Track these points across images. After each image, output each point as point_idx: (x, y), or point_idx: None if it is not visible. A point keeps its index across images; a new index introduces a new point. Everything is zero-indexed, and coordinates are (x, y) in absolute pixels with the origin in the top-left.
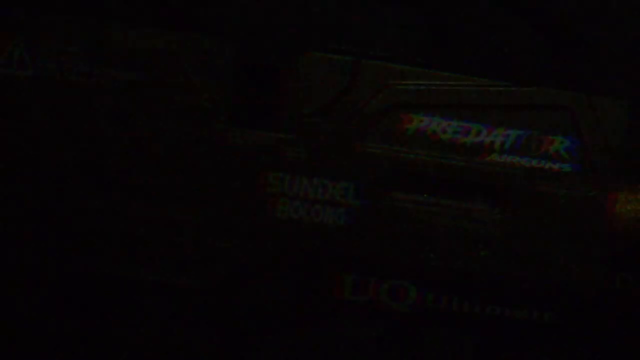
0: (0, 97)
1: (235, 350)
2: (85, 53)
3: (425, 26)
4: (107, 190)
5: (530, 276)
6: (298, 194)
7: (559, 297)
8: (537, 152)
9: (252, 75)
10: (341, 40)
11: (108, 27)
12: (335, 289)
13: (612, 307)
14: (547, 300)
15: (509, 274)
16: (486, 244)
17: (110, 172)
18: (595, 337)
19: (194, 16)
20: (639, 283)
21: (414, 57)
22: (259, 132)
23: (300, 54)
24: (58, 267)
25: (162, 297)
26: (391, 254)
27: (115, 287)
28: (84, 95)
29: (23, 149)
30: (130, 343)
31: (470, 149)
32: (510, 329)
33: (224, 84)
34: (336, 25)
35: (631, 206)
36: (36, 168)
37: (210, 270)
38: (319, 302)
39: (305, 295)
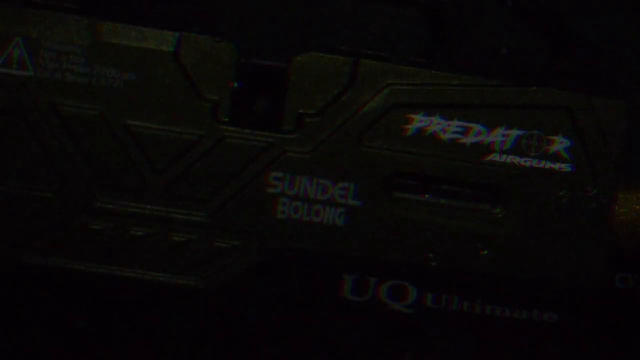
0: (0, 97)
1: (235, 350)
2: (85, 53)
3: (426, 26)
4: (106, 189)
5: (530, 276)
6: (298, 194)
7: (558, 297)
8: (537, 152)
9: (252, 75)
10: (341, 40)
11: (108, 27)
12: (336, 289)
13: (612, 307)
14: (547, 300)
15: (509, 274)
16: (486, 244)
17: (109, 172)
18: (596, 337)
19: (194, 16)
20: (639, 283)
21: (414, 57)
22: (259, 132)
23: (300, 54)
24: (57, 266)
25: (162, 297)
26: (391, 254)
27: (115, 287)
28: (83, 95)
29: (23, 149)
30: (130, 343)
31: (470, 149)
32: (510, 329)
33: (224, 83)
34: (336, 25)
35: (631, 206)
36: (36, 168)
37: (209, 270)
38: (319, 302)
39: (305, 295)
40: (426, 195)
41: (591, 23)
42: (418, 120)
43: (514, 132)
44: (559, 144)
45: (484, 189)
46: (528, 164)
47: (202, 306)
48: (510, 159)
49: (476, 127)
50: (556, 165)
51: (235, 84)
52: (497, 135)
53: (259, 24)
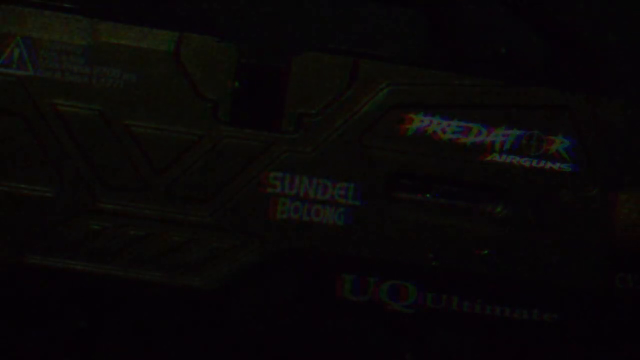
0: (0, 97)
1: (235, 350)
2: (85, 53)
3: (425, 26)
4: (106, 189)
5: (530, 276)
6: (298, 194)
7: (559, 297)
8: (537, 152)
9: (252, 75)
10: (341, 40)
11: (108, 27)
12: (335, 289)
13: (612, 307)
14: (547, 300)
15: (509, 274)
16: (486, 244)
17: (109, 172)
18: (596, 337)
19: (194, 16)
20: (639, 283)
21: (414, 57)
22: (259, 132)
23: (300, 54)
24: (57, 266)
25: (162, 297)
26: (391, 254)
27: (115, 287)
28: (83, 95)
29: (23, 149)
30: (130, 343)
31: (470, 149)
32: (510, 329)
33: (224, 84)
34: (336, 25)
35: (631, 206)
36: (36, 168)
37: (210, 270)
38: (319, 302)
39: (305, 295)
40: (426, 195)
41: (591, 23)
42: (418, 120)
43: (514, 132)
44: (559, 144)
45: (484, 189)
46: (528, 164)
47: (202, 306)
48: (510, 159)
49: (476, 127)
50: (556, 165)
51: (236, 84)
52: (497, 135)
53: (259, 24)
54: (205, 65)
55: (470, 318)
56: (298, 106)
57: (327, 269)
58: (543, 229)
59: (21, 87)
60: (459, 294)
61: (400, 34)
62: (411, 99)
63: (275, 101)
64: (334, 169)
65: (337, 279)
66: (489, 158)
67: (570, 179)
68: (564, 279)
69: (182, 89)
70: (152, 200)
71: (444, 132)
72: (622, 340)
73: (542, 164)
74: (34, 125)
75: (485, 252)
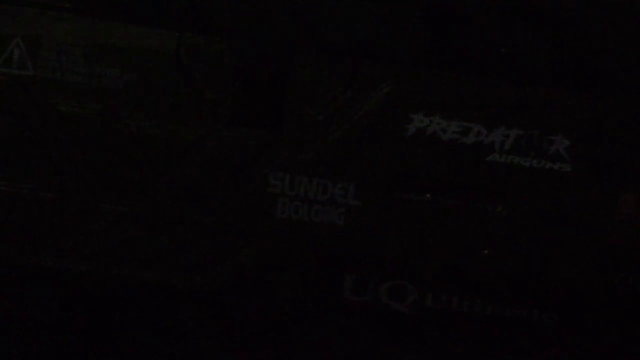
0: (0, 97)
1: (235, 351)
2: (85, 53)
3: (426, 26)
4: (106, 189)
5: (530, 276)
6: (298, 194)
7: (559, 297)
8: (537, 152)
9: (252, 75)
10: (341, 40)
11: (108, 27)
12: (335, 289)
13: (612, 307)
14: (547, 300)
15: (509, 273)
16: (486, 243)
17: (109, 172)
18: (596, 337)
19: (194, 16)
20: (639, 283)
21: (414, 57)
22: (259, 132)
23: (300, 54)
24: (57, 266)
25: (162, 297)
26: (391, 254)
27: (115, 287)
28: (83, 95)
29: (23, 149)
30: (130, 343)
31: (470, 149)
32: (510, 329)
33: (224, 84)
34: (336, 25)
35: (631, 206)
36: (36, 168)
37: (210, 270)
38: (319, 302)
39: (305, 295)
40: (426, 195)
41: (591, 23)
42: (418, 120)
43: (514, 132)
44: (559, 144)
45: (484, 189)
46: (528, 164)
47: (202, 306)
48: (510, 159)
49: (476, 127)
50: (556, 165)
51: (236, 84)
52: (497, 135)
53: (259, 24)
54: (205, 65)
55: (470, 318)
56: (298, 106)
57: (327, 269)
58: (543, 228)
59: (21, 87)
60: (459, 294)
61: (400, 34)
62: (411, 99)
63: (275, 101)
64: (334, 169)
65: (338, 279)
66: (489, 158)
67: (570, 179)
68: (564, 278)
69: (182, 89)
70: (152, 200)
71: (444, 132)
72: (622, 340)
73: (542, 164)
74: (34, 125)
75: (485, 252)
